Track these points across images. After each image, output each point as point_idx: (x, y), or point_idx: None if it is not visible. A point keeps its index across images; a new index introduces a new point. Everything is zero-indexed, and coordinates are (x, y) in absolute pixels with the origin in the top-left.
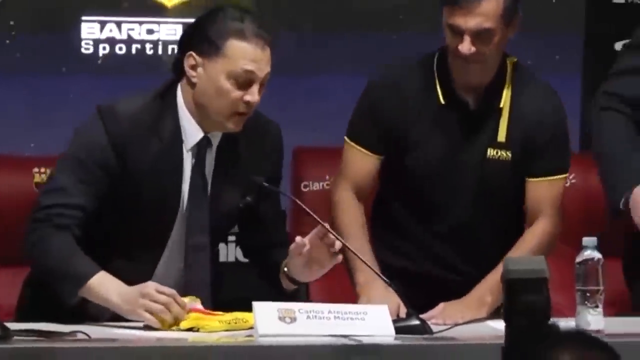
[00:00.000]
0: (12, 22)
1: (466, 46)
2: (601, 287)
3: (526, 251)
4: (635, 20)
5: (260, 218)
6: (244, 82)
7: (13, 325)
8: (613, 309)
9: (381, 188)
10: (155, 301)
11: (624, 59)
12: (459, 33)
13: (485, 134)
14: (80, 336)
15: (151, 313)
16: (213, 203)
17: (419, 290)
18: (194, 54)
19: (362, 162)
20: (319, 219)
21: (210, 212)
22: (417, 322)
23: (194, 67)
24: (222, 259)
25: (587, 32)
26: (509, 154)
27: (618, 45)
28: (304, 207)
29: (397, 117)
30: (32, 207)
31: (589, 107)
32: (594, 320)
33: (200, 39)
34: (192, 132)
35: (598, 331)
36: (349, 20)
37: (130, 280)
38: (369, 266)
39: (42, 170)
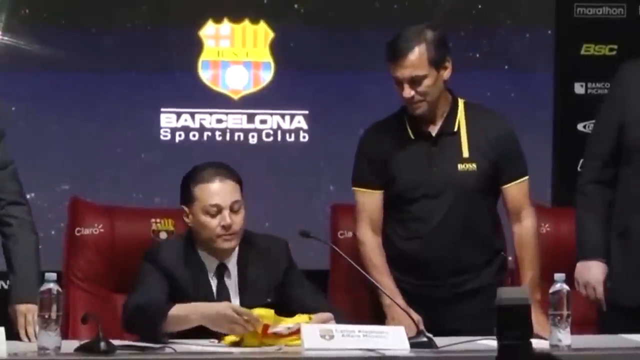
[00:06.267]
0: None
1: (406, 91)
2: (569, 312)
3: (530, 245)
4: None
5: (292, 301)
6: (215, 212)
7: (116, 342)
8: (578, 328)
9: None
10: (236, 322)
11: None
12: (399, 82)
13: (452, 153)
14: (167, 350)
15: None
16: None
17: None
18: (184, 207)
19: (370, 200)
20: (352, 262)
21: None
22: (425, 338)
23: (187, 216)
24: None
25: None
26: (474, 166)
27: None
28: (340, 252)
29: (384, 154)
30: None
31: (559, 169)
32: (563, 337)
33: (184, 193)
34: (210, 263)
35: (566, 346)
36: None
37: None
38: (390, 297)
39: (158, 220)
